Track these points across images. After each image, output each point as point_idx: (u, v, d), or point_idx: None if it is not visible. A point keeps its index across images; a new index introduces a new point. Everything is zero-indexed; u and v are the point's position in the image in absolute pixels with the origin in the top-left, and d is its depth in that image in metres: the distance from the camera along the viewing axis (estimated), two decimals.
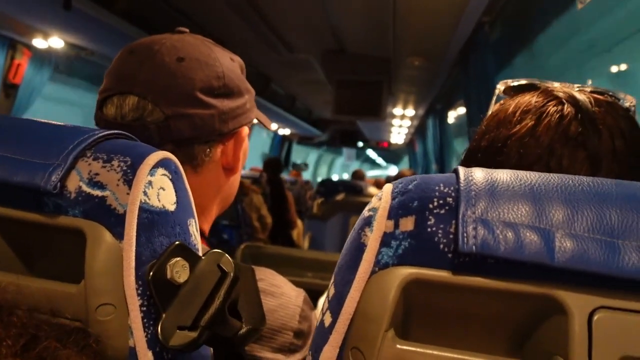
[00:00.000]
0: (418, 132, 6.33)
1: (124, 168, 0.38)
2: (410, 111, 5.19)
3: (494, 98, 0.54)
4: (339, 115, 3.57)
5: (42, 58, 2.91)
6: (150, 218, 0.38)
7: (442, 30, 2.37)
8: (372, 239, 0.33)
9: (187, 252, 0.39)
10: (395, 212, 0.33)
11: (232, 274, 0.39)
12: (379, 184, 5.03)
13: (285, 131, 6.96)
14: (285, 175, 5.42)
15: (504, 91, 0.54)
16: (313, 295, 0.72)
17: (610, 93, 0.49)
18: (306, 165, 8.70)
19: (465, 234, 0.29)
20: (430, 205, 0.32)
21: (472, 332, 0.32)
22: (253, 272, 0.45)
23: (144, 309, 0.37)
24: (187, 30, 0.63)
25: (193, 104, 0.55)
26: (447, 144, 4.29)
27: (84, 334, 0.35)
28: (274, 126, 6.19)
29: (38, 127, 0.40)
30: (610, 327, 0.27)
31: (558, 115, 0.45)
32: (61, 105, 4.29)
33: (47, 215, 0.37)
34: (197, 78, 0.55)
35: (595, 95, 0.47)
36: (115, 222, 0.37)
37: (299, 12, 2.45)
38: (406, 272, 0.31)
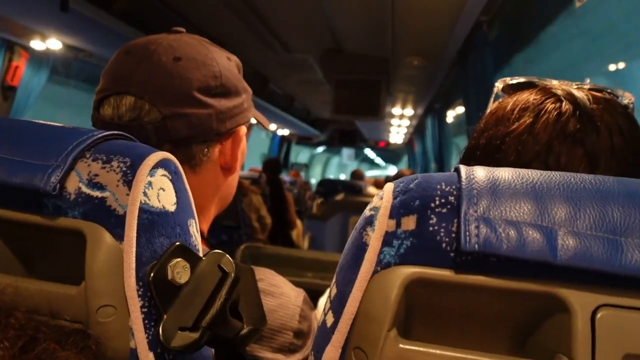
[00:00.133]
0: (417, 131, 6.33)
1: (124, 169, 0.38)
2: (409, 111, 5.19)
3: (493, 96, 0.54)
4: (337, 115, 3.57)
5: (39, 60, 2.90)
6: (151, 219, 0.38)
7: (440, 29, 2.37)
8: (374, 238, 0.33)
9: (187, 252, 0.38)
10: (397, 211, 0.33)
11: (233, 275, 0.39)
12: (378, 184, 5.02)
13: (284, 131, 6.96)
14: (284, 176, 5.42)
15: (503, 89, 0.54)
16: (313, 295, 0.72)
17: (609, 90, 0.49)
18: (306, 165, 8.70)
19: (467, 233, 0.29)
20: (432, 204, 0.32)
21: (474, 330, 0.32)
22: (253, 272, 0.45)
23: (145, 310, 0.36)
24: (184, 30, 0.63)
25: (190, 104, 0.55)
26: (446, 143, 4.29)
27: (83, 336, 0.35)
28: (272, 127, 6.19)
29: (37, 128, 0.40)
30: (613, 325, 0.27)
31: (556, 112, 0.45)
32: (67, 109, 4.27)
33: (47, 216, 0.37)
34: (194, 78, 0.55)
35: (594, 93, 0.47)
36: (115, 223, 0.36)
37: (296, 12, 2.45)
38: (408, 271, 0.31)
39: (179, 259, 0.37)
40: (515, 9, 2.19)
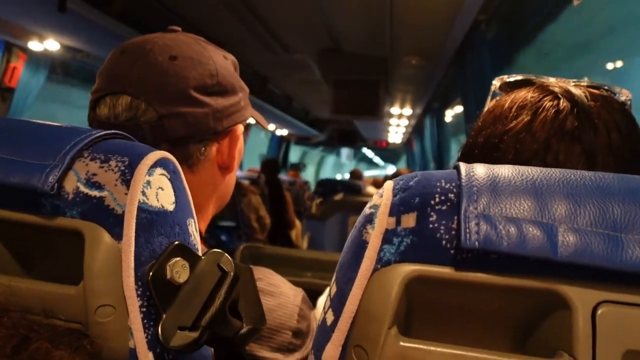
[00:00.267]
0: (416, 131, 6.33)
1: (122, 168, 0.38)
2: (408, 110, 5.19)
3: (490, 94, 0.54)
4: (336, 115, 3.57)
5: (37, 61, 2.89)
6: (149, 218, 0.37)
7: (438, 29, 2.37)
8: (374, 236, 0.33)
9: (186, 252, 0.38)
10: (397, 209, 0.33)
11: (232, 274, 0.39)
12: (377, 184, 5.03)
13: (283, 132, 6.96)
14: (283, 176, 5.42)
15: (500, 87, 0.54)
16: (312, 295, 0.72)
17: (606, 87, 0.49)
18: (304, 165, 8.69)
19: (467, 230, 0.29)
20: (432, 202, 0.32)
21: (475, 328, 0.32)
22: (251, 272, 0.45)
23: (144, 309, 0.36)
24: (180, 29, 0.62)
25: (187, 103, 0.55)
26: (445, 142, 4.29)
27: (78, 335, 0.35)
28: (271, 127, 6.19)
29: (34, 128, 0.40)
30: (614, 321, 0.27)
31: (554, 110, 0.45)
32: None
33: (45, 216, 0.37)
34: (190, 76, 0.55)
35: (591, 90, 0.47)
36: (113, 223, 0.36)
37: (295, 12, 2.44)
38: (408, 269, 0.31)
39: (178, 258, 0.37)
40: (513, 8, 2.20)
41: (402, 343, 0.30)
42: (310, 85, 4.32)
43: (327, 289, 1.08)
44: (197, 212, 0.59)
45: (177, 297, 0.37)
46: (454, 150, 4.30)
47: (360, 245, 0.34)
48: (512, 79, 0.53)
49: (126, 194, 0.37)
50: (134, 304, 0.36)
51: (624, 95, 0.49)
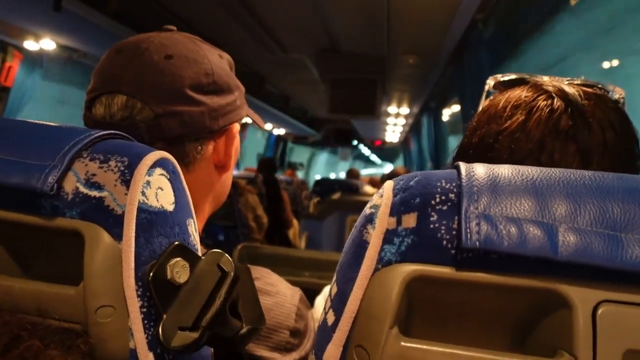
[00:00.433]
0: (413, 130, 6.34)
1: (122, 168, 0.37)
2: (405, 109, 5.20)
3: (484, 93, 0.54)
4: (333, 115, 3.57)
5: (33, 60, 2.88)
6: (149, 218, 0.37)
7: (436, 28, 2.38)
8: (375, 236, 0.33)
9: (186, 252, 0.38)
10: (397, 209, 0.33)
11: (232, 274, 0.39)
12: (374, 183, 5.03)
13: (280, 131, 6.95)
14: (280, 175, 5.42)
15: (494, 86, 0.54)
16: (310, 294, 0.72)
17: (600, 85, 0.49)
18: (302, 165, 8.69)
19: (468, 230, 0.29)
20: (433, 202, 0.32)
21: (475, 327, 0.32)
22: (249, 271, 0.45)
23: (144, 310, 0.36)
24: (175, 28, 0.62)
25: (182, 102, 0.55)
26: (442, 141, 4.30)
27: (71, 335, 0.35)
28: (268, 126, 6.18)
29: (33, 128, 0.40)
30: (614, 320, 0.27)
31: (548, 109, 0.45)
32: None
33: (44, 217, 0.37)
34: (186, 75, 0.55)
35: (585, 88, 0.47)
36: (113, 223, 0.36)
37: (292, 12, 2.44)
38: (409, 269, 0.31)
39: (178, 259, 0.37)
40: (510, 7, 2.20)
41: (403, 343, 0.30)
42: (307, 84, 4.32)
43: (325, 289, 1.08)
44: (194, 212, 0.59)
45: (177, 298, 0.37)
46: (451, 149, 4.31)
47: (361, 245, 0.34)
48: (505, 78, 0.53)
49: (126, 194, 0.37)
50: (134, 305, 0.35)
51: (617, 93, 0.49)
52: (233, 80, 0.62)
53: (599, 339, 0.27)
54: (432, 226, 0.31)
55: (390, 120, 5.99)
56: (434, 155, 4.44)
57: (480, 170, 0.32)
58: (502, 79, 0.53)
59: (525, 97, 0.47)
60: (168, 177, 0.40)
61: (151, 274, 0.36)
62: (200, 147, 0.58)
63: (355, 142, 8.74)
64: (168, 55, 0.55)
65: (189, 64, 0.56)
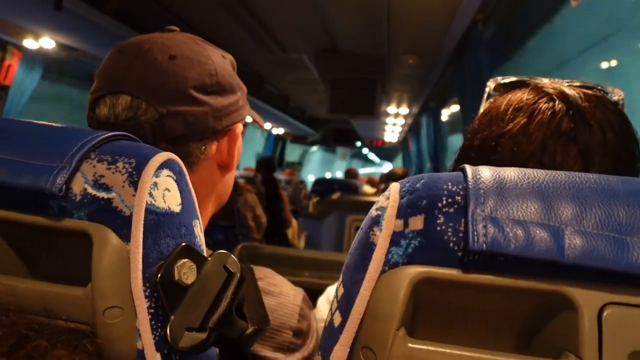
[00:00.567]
0: (412, 130, 6.34)
1: (129, 170, 0.38)
2: (404, 109, 5.20)
3: (485, 96, 0.55)
4: (333, 115, 3.57)
5: (32, 59, 2.88)
6: (157, 219, 0.38)
7: (436, 28, 2.38)
8: (382, 238, 0.33)
9: (193, 253, 0.38)
10: (405, 211, 0.33)
11: (238, 275, 0.39)
12: (372, 183, 5.03)
13: (279, 130, 6.95)
14: (279, 175, 5.41)
15: (494, 88, 0.54)
16: (311, 294, 0.72)
17: (599, 87, 0.49)
18: (300, 164, 8.69)
19: (475, 232, 0.29)
20: (439, 204, 0.32)
21: (481, 329, 0.32)
22: (253, 271, 0.45)
23: (152, 311, 0.36)
24: (177, 28, 0.62)
25: (186, 102, 0.55)
26: (442, 142, 4.30)
27: (77, 335, 0.35)
28: (267, 125, 6.18)
29: (41, 129, 0.40)
30: (620, 322, 0.27)
31: (550, 112, 0.46)
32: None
33: (52, 218, 0.37)
34: (189, 76, 0.55)
35: (585, 90, 0.48)
36: (121, 224, 0.36)
37: (292, 12, 2.44)
38: (416, 270, 0.31)
39: (185, 260, 0.37)
40: (510, 7, 2.21)
41: (410, 344, 0.30)
42: (306, 84, 4.32)
43: (327, 289, 1.08)
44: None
45: (184, 299, 0.37)
46: (451, 149, 4.31)
47: (368, 247, 0.34)
48: (506, 81, 0.53)
49: (134, 195, 0.37)
50: (142, 305, 0.36)
51: (616, 94, 0.50)
52: (236, 80, 0.62)
53: (604, 341, 0.27)
54: (439, 228, 0.31)
55: (389, 120, 5.99)
56: (433, 155, 4.45)
57: (486, 172, 0.33)
58: (502, 82, 0.53)
59: (527, 99, 0.48)
60: (174, 178, 0.40)
61: (159, 275, 0.36)
62: (203, 147, 0.58)
63: (354, 142, 8.74)
64: (171, 55, 0.55)
65: (192, 65, 0.56)
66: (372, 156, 15.41)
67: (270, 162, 4.05)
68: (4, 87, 2.80)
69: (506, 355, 0.29)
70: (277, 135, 7.52)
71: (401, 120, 6.04)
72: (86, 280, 0.36)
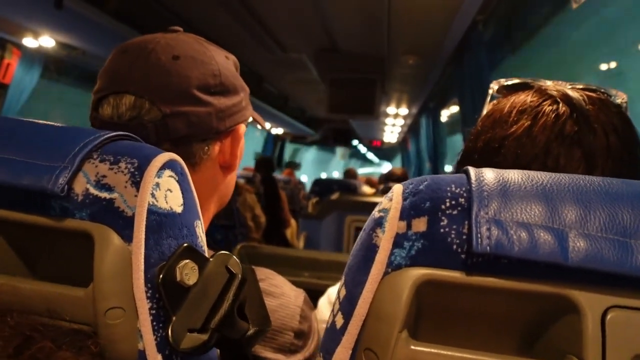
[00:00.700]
0: (411, 130, 6.35)
1: (131, 170, 0.38)
2: (404, 110, 5.21)
3: (488, 97, 0.55)
4: (332, 114, 3.57)
5: (32, 57, 2.87)
6: (159, 220, 0.37)
7: (436, 28, 2.38)
8: (385, 240, 0.33)
9: (195, 254, 0.38)
10: (408, 213, 0.33)
11: (240, 276, 0.39)
12: (371, 183, 5.03)
13: (278, 130, 6.95)
14: (278, 174, 5.41)
15: (498, 90, 0.54)
16: (310, 294, 0.72)
17: (602, 90, 0.49)
18: (299, 164, 8.69)
19: (479, 235, 0.29)
20: (443, 206, 0.32)
21: (484, 331, 0.32)
22: (254, 272, 0.45)
23: (153, 312, 0.36)
24: (181, 29, 0.62)
25: (189, 102, 0.55)
26: (441, 142, 4.31)
27: (82, 336, 0.35)
28: (267, 125, 6.16)
29: (42, 129, 0.40)
30: (623, 325, 0.27)
31: (554, 114, 0.46)
32: None
33: (54, 218, 0.37)
34: (193, 76, 0.55)
35: (588, 93, 0.48)
36: (123, 225, 0.36)
37: (291, 11, 2.44)
38: (419, 272, 0.31)
39: (187, 261, 0.37)
40: (511, 8, 2.21)
41: (412, 347, 0.30)
42: (306, 84, 4.32)
43: (328, 290, 1.07)
44: None
45: (186, 300, 0.37)
46: (450, 149, 4.31)
47: (370, 249, 0.34)
48: (509, 83, 0.53)
49: (136, 196, 0.37)
50: (143, 306, 0.36)
51: (619, 97, 0.50)
52: (239, 81, 0.62)
53: (607, 344, 0.27)
54: (442, 230, 0.31)
55: (389, 120, 5.99)
56: (432, 156, 4.45)
57: (490, 175, 0.33)
58: (505, 84, 0.53)
59: (531, 102, 0.48)
60: (177, 178, 0.40)
61: (161, 276, 0.36)
62: (206, 148, 0.58)
63: (353, 142, 8.74)
64: (175, 56, 0.55)
65: (195, 65, 0.56)
66: (371, 156, 15.27)
67: (269, 162, 4.05)
68: (3, 85, 2.79)
69: (508, 358, 0.29)
70: (276, 135, 7.52)
71: (400, 121, 6.04)
72: (88, 280, 0.36)
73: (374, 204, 0.37)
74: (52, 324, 0.35)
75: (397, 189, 0.35)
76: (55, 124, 0.42)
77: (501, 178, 0.32)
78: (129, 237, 0.36)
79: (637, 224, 0.29)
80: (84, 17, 2.14)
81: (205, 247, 0.44)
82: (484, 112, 0.53)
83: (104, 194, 0.37)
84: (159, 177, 0.38)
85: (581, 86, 0.49)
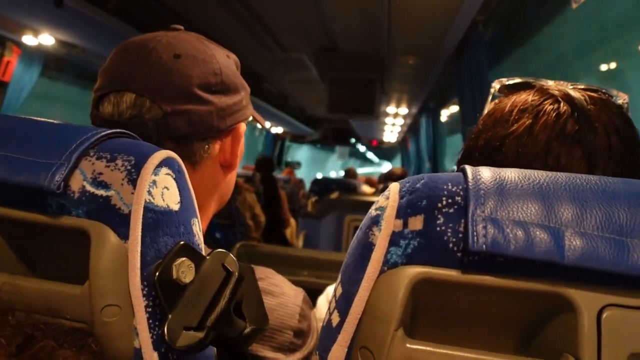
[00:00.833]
0: (411, 130, 6.35)
1: (128, 167, 0.37)
2: (404, 109, 5.21)
3: (490, 97, 0.55)
4: (332, 114, 3.57)
5: (32, 55, 2.87)
6: (155, 218, 0.37)
7: (436, 28, 2.38)
8: (381, 238, 0.33)
9: (192, 252, 0.38)
10: (404, 211, 0.33)
11: (237, 274, 0.39)
12: (371, 182, 5.03)
13: (278, 130, 6.95)
14: (277, 174, 5.41)
15: (499, 90, 0.54)
16: (309, 293, 0.72)
17: (604, 90, 0.49)
18: (299, 163, 8.68)
19: (475, 233, 0.29)
20: (439, 205, 0.32)
21: (480, 330, 0.32)
22: (253, 271, 0.45)
23: (150, 309, 0.36)
24: (182, 27, 0.62)
25: (191, 101, 0.55)
26: (440, 142, 4.31)
27: (83, 334, 0.35)
28: (267, 124, 6.16)
29: (40, 126, 0.40)
30: (619, 324, 0.27)
31: (555, 113, 0.46)
32: None
33: (51, 215, 0.37)
34: (194, 74, 0.55)
35: (589, 93, 0.48)
36: (119, 222, 0.36)
37: (291, 11, 2.44)
38: (415, 271, 0.31)
39: (183, 259, 0.37)
40: (511, 9, 2.21)
41: (408, 345, 0.30)
42: (305, 83, 4.32)
43: (328, 289, 1.07)
44: (199, 211, 0.60)
45: (182, 297, 0.37)
46: (450, 149, 4.31)
47: (367, 247, 0.34)
48: (511, 82, 0.53)
49: (133, 193, 0.37)
50: (139, 304, 0.36)
51: (621, 98, 0.50)
52: (240, 80, 0.62)
53: (603, 343, 0.27)
54: (438, 229, 0.31)
55: (388, 120, 5.99)
56: (432, 155, 4.45)
57: (487, 173, 0.33)
58: (507, 83, 0.53)
59: (532, 101, 0.48)
60: (174, 176, 0.40)
61: (157, 273, 0.36)
62: (207, 146, 0.58)
63: (352, 141, 8.73)
64: (176, 54, 0.55)
65: (197, 64, 0.56)
66: (370, 155, 15.20)
67: (269, 161, 4.05)
68: (2, 83, 2.79)
69: (505, 356, 0.29)
70: (276, 135, 7.52)
71: (400, 121, 6.04)
72: (84, 278, 0.36)
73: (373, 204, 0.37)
74: (53, 322, 0.35)
75: (394, 187, 0.35)
76: (54, 121, 0.42)
77: (498, 176, 0.32)
78: (125, 234, 0.36)
79: (634, 222, 0.29)
80: (84, 15, 2.14)
81: (202, 245, 0.44)
82: (485, 111, 0.53)
83: (101, 192, 0.37)
84: (155, 175, 0.38)
85: (583, 86, 0.49)
